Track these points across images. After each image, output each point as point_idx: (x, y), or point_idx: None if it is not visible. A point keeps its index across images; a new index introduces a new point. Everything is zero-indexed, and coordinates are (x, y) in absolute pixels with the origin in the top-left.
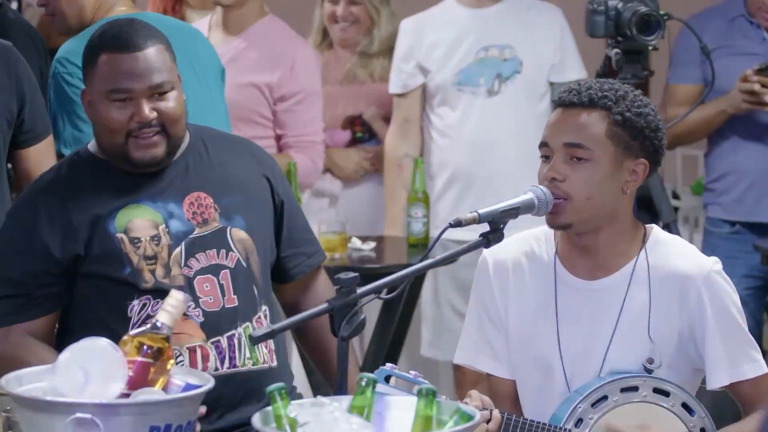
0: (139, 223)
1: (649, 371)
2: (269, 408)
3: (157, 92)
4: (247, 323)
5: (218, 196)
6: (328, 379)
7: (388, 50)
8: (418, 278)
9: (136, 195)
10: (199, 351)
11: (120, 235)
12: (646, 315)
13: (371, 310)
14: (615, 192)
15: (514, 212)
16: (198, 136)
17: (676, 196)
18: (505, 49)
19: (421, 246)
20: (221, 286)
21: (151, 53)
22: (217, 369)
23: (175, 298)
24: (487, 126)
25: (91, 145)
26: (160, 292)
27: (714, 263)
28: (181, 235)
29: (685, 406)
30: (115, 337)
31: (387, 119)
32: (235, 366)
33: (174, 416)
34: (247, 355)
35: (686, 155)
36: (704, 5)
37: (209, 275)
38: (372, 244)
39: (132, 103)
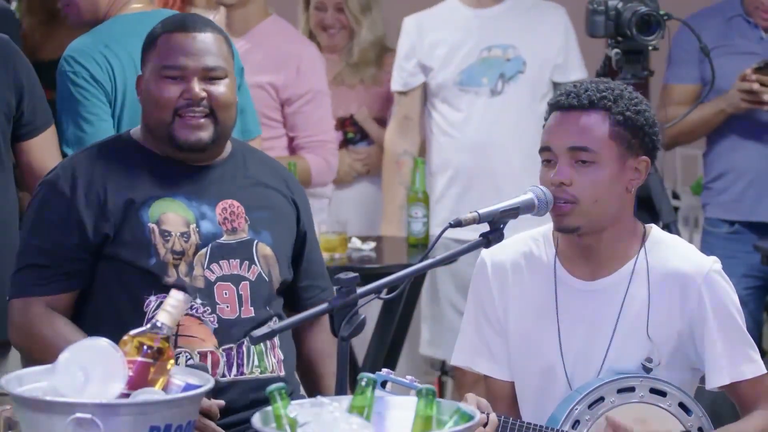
0: (172, 217)
1: (648, 370)
2: (269, 408)
3: (210, 75)
4: None
5: (250, 209)
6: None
7: (375, 56)
8: (418, 278)
9: (174, 189)
10: (209, 357)
11: (151, 225)
12: (646, 314)
13: (371, 310)
14: (620, 192)
15: (514, 212)
16: (240, 149)
17: (676, 196)
18: (508, 48)
19: (421, 246)
20: (240, 297)
21: (209, 37)
22: (224, 375)
23: (176, 298)
24: (490, 126)
25: (134, 132)
26: (179, 289)
27: (713, 263)
28: (210, 237)
29: (682, 406)
30: (126, 331)
31: (378, 120)
32: (242, 373)
33: (174, 416)
34: (256, 363)
35: (686, 155)
36: (704, 5)
37: (230, 283)
38: (372, 244)
39: (184, 81)
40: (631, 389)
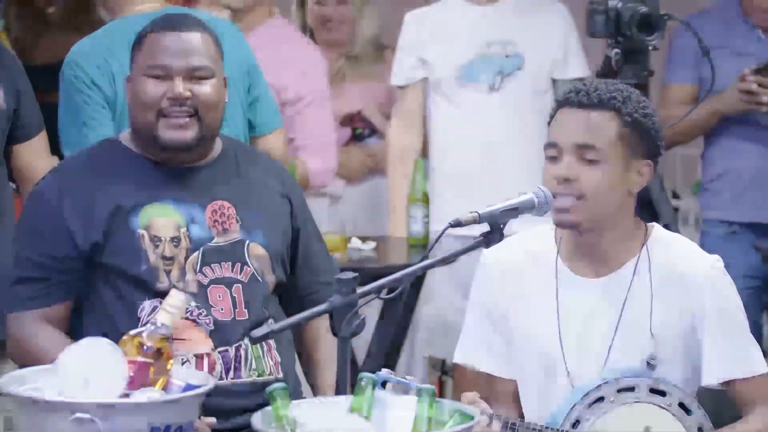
0: (162, 222)
1: (652, 368)
2: (269, 408)
3: (196, 75)
4: None
5: (241, 209)
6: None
7: (374, 52)
8: (418, 278)
9: (162, 193)
10: (206, 359)
11: (141, 231)
12: (648, 312)
13: (371, 310)
14: (623, 193)
15: (513, 212)
16: (231, 148)
17: (676, 196)
18: (508, 45)
19: (421, 246)
20: (233, 299)
21: (196, 37)
22: (221, 378)
23: (176, 298)
24: (488, 122)
25: (123, 136)
26: None
27: (716, 261)
28: (200, 241)
29: (682, 405)
30: (120, 337)
31: (385, 115)
32: (240, 377)
33: (174, 416)
34: (253, 366)
35: (686, 155)
36: (703, 5)
37: (223, 286)
38: (372, 244)
39: (168, 80)
40: (631, 389)
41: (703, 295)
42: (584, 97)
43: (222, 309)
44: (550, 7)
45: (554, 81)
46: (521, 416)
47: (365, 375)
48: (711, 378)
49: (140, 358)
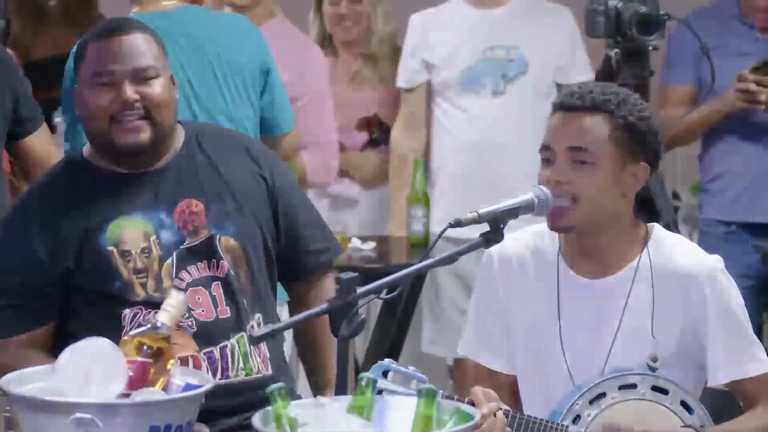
0: (130, 235)
1: (652, 369)
2: (269, 408)
3: (142, 76)
4: (241, 333)
5: (209, 203)
6: (315, 380)
7: (391, 52)
8: (418, 278)
9: (128, 205)
10: (191, 361)
11: (110, 248)
12: (650, 313)
13: (371, 310)
14: (617, 195)
15: (514, 212)
16: (193, 135)
17: (676, 196)
18: (511, 49)
19: (421, 246)
20: (213, 298)
21: (137, 38)
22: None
23: (176, 298)
24: (491, 126)
25: (86, 149)
26: (151, 305)
27: (716, 261)
28: (171, 246)
29: (684, 404)
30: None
31: None
32: (228, 377)
33: (174, 416)
34: (241, 365)
35: (686, 155)
36: (702, 5)
37: (201, 287)
38: (372, 244)
39: (115, 86)
40: (633, 386)
41: (704, 296)
42: (578, 100)
43: (203, 311)
44: (555, 12)
45: (558, 85)
46: (521, 412)
47: (365, 375)
48: (717, 379)
49: (140, 358)
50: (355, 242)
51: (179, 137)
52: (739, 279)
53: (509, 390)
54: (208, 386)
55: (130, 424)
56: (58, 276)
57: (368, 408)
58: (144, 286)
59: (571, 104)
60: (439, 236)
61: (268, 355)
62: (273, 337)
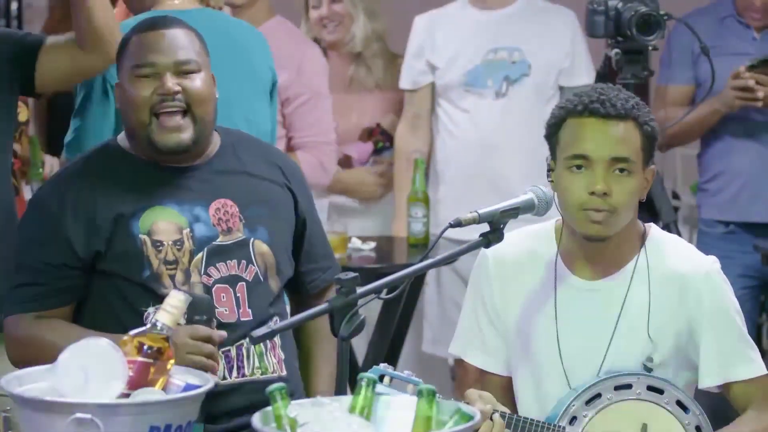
0: (163, 225)
1: (648, 370)
2: (269, 408)
3: (183, 69)
4: None
5: (244, 206)
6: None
7: (381, 51)
8: (418, 278)
9: (163, 196)
10: None
11: (143, 237)
12: (646, 314)
13: (371, 310)
14: (637, 201)
15: (514, 212)
16: (229, 141)
17: (676, 196)
18: (514, 51)
19: (421, 246)
20: (237, 299)
21: (179, 33)
22: (225, 378)
23: (176, 298)
24: (493, 128)
25: (121, 139)
26: None
27: (713, 263)
28: (204, 240)
29: (679, 403)
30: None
31: None
32: (243, 375)
33: (174, 416)
34: (256, 364)
35: (686, 155)
36: (701, 5)
37: (227, 286)
38: (372, 244)
39: (157, 78)
40: (629, 386)
41: (700, 297)
42: (611, 108)
43: (226, 310)
44: (557, 14)
45: (561, 88)
46: (517, 414)
47: (365, 375)
48: (709, 381)
49: (140, 358)
50: (355, 242)
51: (216, 142)
52: (739, 279)
53: (503, 391)
54: (208, 386)
55: (130, 424)
56: (86, 259)
57: (368, 408)
58: (172, 278)
59: (605, 112)
60: (439, 236)
61: (282, 357)
62: (272, 338)
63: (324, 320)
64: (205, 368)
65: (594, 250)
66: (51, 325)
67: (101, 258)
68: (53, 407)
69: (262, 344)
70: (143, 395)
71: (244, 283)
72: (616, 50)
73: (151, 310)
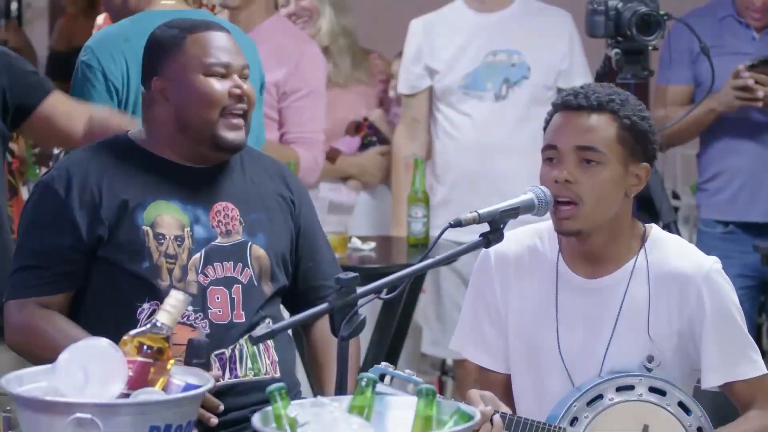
0: (167, 219)
1: (649, 370)
2: (269, 408)
3: (244, 74)
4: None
5: (245, 211)
6: (318, 386)
7: (348, 47)
8: (418, 278)
9: (169, 192)
10: None
11: (146, 228)
12: (646, 314)
13: (371, 310)
14: (620, 195)
15: (514, 212)
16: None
17: (676, 196)
18: (513, 54)
19: (421, 246)
20: (232, 300)
21: (232, 37)
22: (218, 379)
23: (175, 298)
24: (493, 130)
25: (132, 134)
26: None
27: (714, 262)
28: (203, 241)
29: (681, 405)
30: (118, 338)
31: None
32: (237, 376)
33: (174, 416)
34: (249, 365)
35: (686, 155)
36: (703, 5)
37: (222, 287)
38: (372, 244)
39: (228, 78)
40: (631, 387)
41: (701, 297)
42: (583, 99)
43: (219, 311)
44: (555, 17)
45: (559, 90)
46: (513, 411)
47: (365, 375)
48: (711, 381)
49: (140, 358)
50: (355, 242)
51: None
52: (738, 279)
53: (501, 388)
54: (208, 386)
55: (130, 424)
56: (90, 244)
57: (368, 408)
58: (170, 272)
59: (576, 104)
60: (439, 236)
61: (276, 359)
62: (272, 338)
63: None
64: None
65: (588, 249)
66: (52, 319)
67: (103, 244)
68: (53, 407)
69: (255, 346)
70: (143, 395)
71: (239, 285)
72: (616, 50)
73: (145, 306)
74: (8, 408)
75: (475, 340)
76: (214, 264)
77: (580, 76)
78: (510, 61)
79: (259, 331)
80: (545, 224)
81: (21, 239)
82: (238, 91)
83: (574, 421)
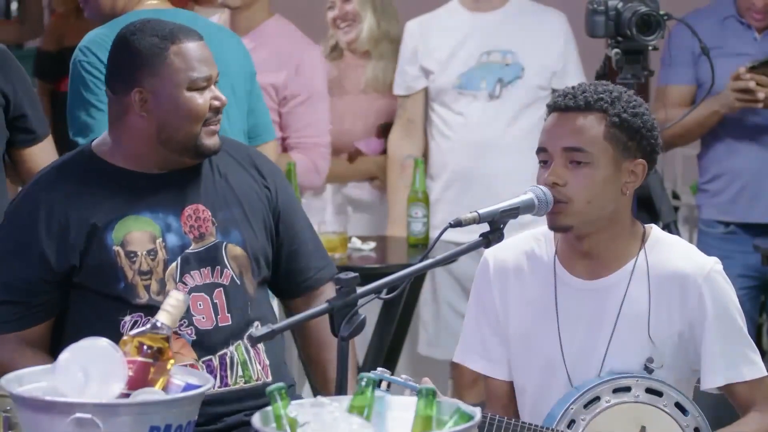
0: (137, 236)
1: (650, 371)
2: (269, 408)
3: (217, 80)
4: (239, 341)
5: (216, 209)
6: (320, 386)
7: (390, 52)
8: (418, 278)
9: (137, 205)
10: None
11: (116, 248)
12: (646, 315)
13: (371, 310)
14: (615, 194)
15: (514, 212)
16: None
17: (676, 196)
18: (507, 54)
19: (421, 246)
20: (215, 305)
21: (205, 43)
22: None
23: (175, 298)
24: (487, 129)
25: (96, 145)
26: (153, 309)
27: (714, 263)
28: (177, 249)
29: (678, 405)
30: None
31: None
32: (227, 385)
33: (174, 416)
34: (240, 373)
35: (686, 155)
36: (702, 6)
37: (203, 293)
38: (372, 244)
39: (207, 89)
40: (627, 389)
41: (701, 298)
42: (570, 100)
43: (203, 317)
44: (549, 17)
45: (554, 90)
46: (516, 417)
47: (365, 375)
48: (711, 382)
49: (140, 358)
50: (355, 242)
51: None
52: (739, 279)
53: (506, 396)
54: (207, 386)
55: (130, 424)
56: (61, 273)
57: (368, 408)
58: (147, 288)
59: (564, 105)
60: (439, 237)
61: (267, 362)
62: (272, 338)
63: (326, 327)
64: None
65: (587, 249)
66: (35, 357)
67: (76, 271)
68: (53, 407)
69: (245, 352)
70: (143, 395)
71: (221, 288)
72: (616, 50)
73: (127, 318)
74: (8, 408)
75: (477, 350)
76: (192, 273)
77: (575, 77)
78: (504, 61)
79: (259, 332)
80: (541, 229)
81: None
82: (217, 103)
83: (571, 424)
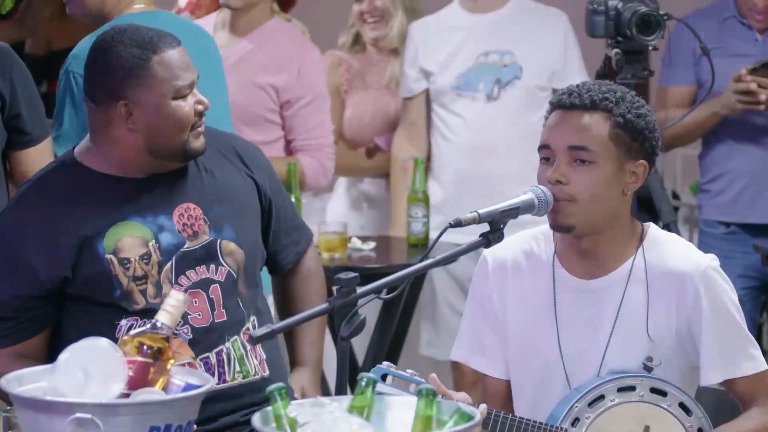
0: (129, 241)
1: (649, 370)
2: (269, 408)
3: (196, 82)
4: (236, 337)
5: (207, 207)
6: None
7: None
8: (418, 278)
9: (125, 210)
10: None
11: (109, 256)
12: (645, 313)
13: (371, 310)
14: (617, 194)
15: (514, 212)
16: None
17: (676, 196)
18: (505, 54)
19: (421, 246)
20: (210, 301)
21: (183, 47)
22: None
23: (175, 298)
24: (486, 130)
25: (79, 152)
26: (150, 313)
27: (711, 260)
28: (172, 248)
29: (682, 406)
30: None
31: None
32: (225, 381)
33: (174, 416)
34: (237, 368)
35: (686, 155)
36: (702, 6)
37: (199, 290)
38: (372, 244)
39: (190, 95)
40: (632, 388)
41: (699, 295)
42: (576, 98)
43: (199, 315)
44: (549, 17)
45: (554, 90)
46: (518, 415)
47: (365, 375)
48: (711, 379)
49: (140, 358)
50: (355, 242)
51: None
52: (740, 279)
53: (504, 395)
54: (208, 386)
55: (130, 424)
56: (53, 287)
57: (368, 408)
58: (144, 293)
59: (569, 103)
60: (439, 237)
61: (264, 357)
62: (272, 338)
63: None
64: None
65: (586, 249)
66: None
67: (69, 283)
68: (53, 407)
69: (242, 347)
70: (143, 395)
71: (217, 284)
72: (616, 50)
73: (123, 322)
74: (8, 408)
75: (476, 348)
76: (187, 272)
77: (575, 77)
78: (502, 62)
79: (259, 331)
80: (540, 228)
81: None
82: (201, 107)
83: (575, 422)
